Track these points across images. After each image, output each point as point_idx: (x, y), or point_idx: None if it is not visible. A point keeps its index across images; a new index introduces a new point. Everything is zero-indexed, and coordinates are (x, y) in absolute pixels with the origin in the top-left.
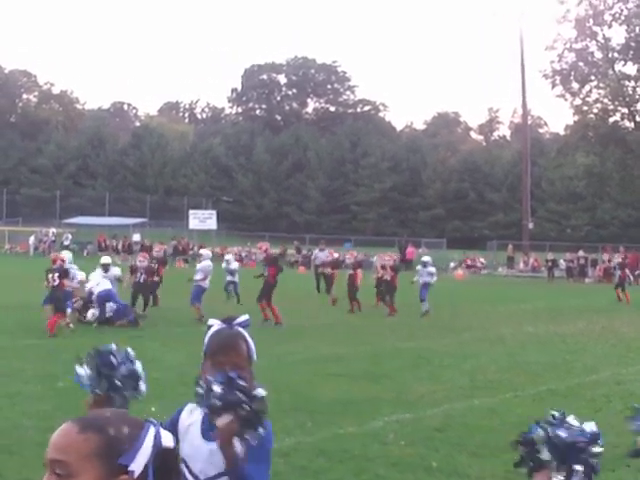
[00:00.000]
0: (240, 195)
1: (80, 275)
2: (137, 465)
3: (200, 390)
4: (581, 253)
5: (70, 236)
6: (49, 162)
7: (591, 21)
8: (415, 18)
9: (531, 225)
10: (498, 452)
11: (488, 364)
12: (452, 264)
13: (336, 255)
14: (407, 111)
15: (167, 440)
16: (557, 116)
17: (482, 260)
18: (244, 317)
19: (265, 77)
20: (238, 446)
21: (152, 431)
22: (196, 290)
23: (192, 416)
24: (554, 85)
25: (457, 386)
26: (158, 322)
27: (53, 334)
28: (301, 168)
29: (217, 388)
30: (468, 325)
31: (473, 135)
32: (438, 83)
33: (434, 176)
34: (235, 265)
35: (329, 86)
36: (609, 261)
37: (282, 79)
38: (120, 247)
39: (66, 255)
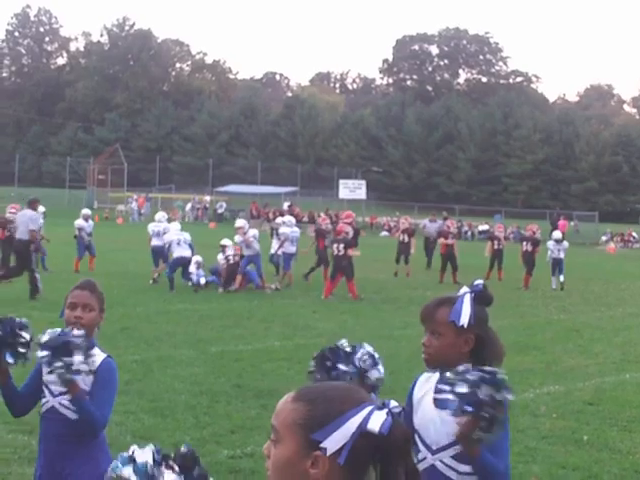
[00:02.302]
0: (390, 166)
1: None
2: (331, 443)
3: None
4: None
5: (224, 204)
6: (202, 131)
7: None
8: None
9: None
10: None
11: None
12: (604, 238)
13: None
14: (559, 83)
15: (375, 424)
16: None
17: (634, 234)
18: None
19: (417, 48)
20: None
21: (363, 412)
22: (285, 259)
23: (426, 385)
24: None
25: (608, 360)
26: (310, 290)
27: (357, 297)
28: (451, 139)
29: (464, 389)
30: (620, 299)
31: (626, 108)
32: (591, 54)
33: (587, 149)
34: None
35: (481, 57)
36: None
37: (434, 50)
38: (272, 215)
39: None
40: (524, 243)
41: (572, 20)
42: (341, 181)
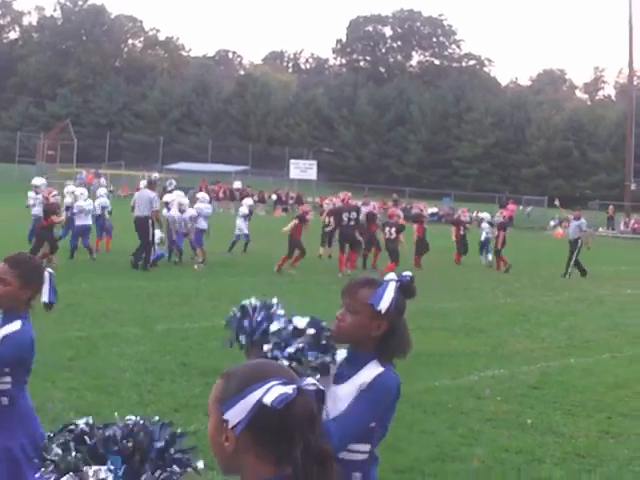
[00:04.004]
0: (341, 147)
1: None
2: (232, 416)
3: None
4: None
5: (174, 182)
6: (153, 108)
7: None
8: None
9: (634, 186)
10: (593, 412)
11: (586, 324)
12: (552, 223)
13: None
14: (512, 67)
15: (269, 398)
16: None
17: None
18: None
19: (370, 29)
20: None
21: (265, 387)
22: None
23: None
24: None
25: (554, 344)
26: (259, 269)
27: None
28: (403, 121)
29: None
30: (567, 284)
31: (578, 94)
32: (544, 39)
33: (538, 133)
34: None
35: (434, 39)
36: None
37: (387, 31)
38: (222, 194)
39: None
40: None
41: (526, 4)
42: (292, 161)
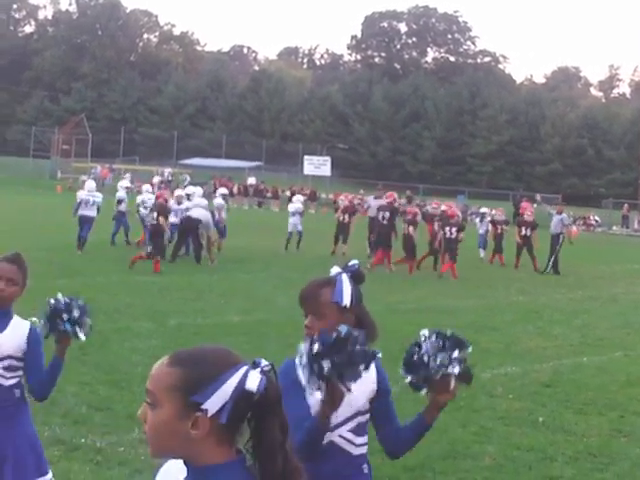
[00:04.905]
0: (355, 143)
1: None
2: (211, 404)
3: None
4: None
5: (188, 177)
6: (168, 103)
7: None
8: None
9: None
10: (605, 410)
11: (599, 322)
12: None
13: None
14: (527, 64)
15: (253, 384)
16: None
17: (597, 218)
18: (352, 262)
19: (385, 25)
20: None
21: (239, 373)
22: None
23: None
24: None
25: (566, 342)
26: (272, 265)
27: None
28: (418, 118)
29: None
30: (580, 282)
31: (593, 91)
32: (559, 37)
33: (552, 131)
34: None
35: (449, 36)
36: None
37: (402, 27)
38: (235, 190)
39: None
40: (522, 228)
41: (541, 1)
42: (306, 157)
